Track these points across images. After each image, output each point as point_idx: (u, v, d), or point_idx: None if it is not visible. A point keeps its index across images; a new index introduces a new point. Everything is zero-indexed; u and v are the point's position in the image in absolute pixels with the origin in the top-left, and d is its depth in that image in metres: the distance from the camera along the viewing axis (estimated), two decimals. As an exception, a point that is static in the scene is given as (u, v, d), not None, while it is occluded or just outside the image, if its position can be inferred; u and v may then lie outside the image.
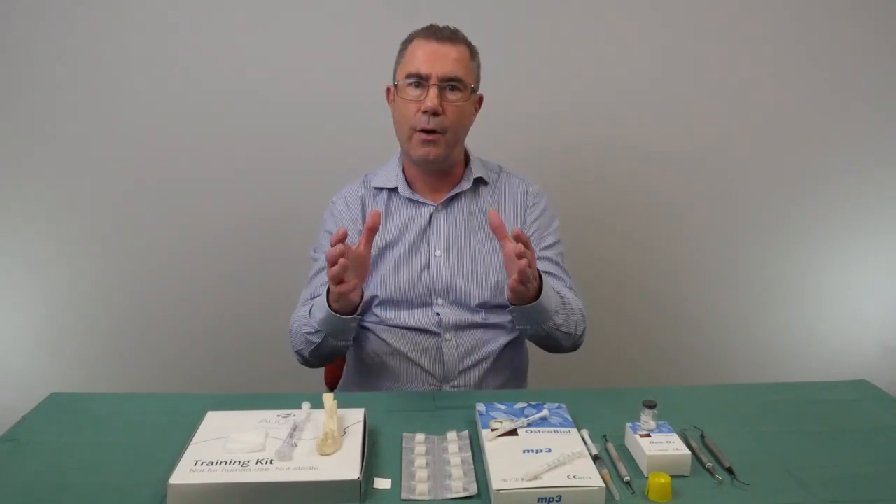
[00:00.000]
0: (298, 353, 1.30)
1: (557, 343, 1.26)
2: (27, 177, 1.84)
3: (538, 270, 1.14)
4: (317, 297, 1.23)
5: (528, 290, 1.11)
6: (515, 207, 1.39)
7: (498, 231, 1.10)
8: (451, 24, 1.33)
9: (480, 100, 1.37)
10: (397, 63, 1.34)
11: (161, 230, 1.89)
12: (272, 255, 1.91)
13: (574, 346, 1.31)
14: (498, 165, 1.45)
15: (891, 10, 1.85)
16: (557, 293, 1.22)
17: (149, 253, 1.91)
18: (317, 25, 1.79)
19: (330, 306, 1.15)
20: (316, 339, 1.22)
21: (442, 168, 1.35)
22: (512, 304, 1.16)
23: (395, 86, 1.32)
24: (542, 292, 1.14)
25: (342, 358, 1.45)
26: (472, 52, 1.33)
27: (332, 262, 1.04)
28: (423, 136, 1.27)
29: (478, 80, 1.34)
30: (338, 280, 1.07)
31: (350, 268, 1.07)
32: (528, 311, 1.16)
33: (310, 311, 1.23)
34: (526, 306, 1.14)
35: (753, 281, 2.02)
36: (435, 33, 1.29)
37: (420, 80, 1.27)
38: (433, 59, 1.26)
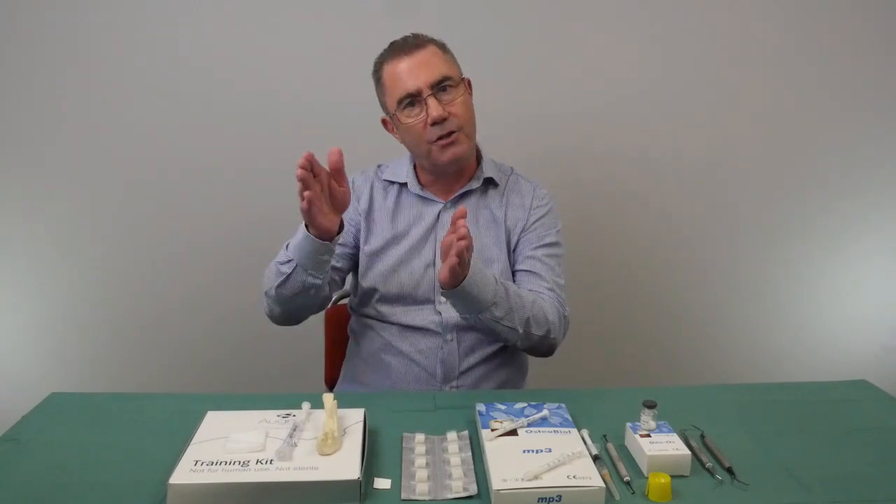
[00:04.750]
0: (266, 294, 1.25)
1: (505, 339, 1.25)
2: (27, 177, 1.85)
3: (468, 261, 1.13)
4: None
5: (462, 272, 1.11)
6: (522, 208, 1.38)
7: (455, 219, 1.08)
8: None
9: (470, 83, 1.34)
10: (380, 94, 1.32)
11: (161, 230, 1.90)
12: (272, 255, 1.90)
13: (534, 348, 1.28)
14: (510, 168, 1.45)
15: (890, 11, 1.85)
16: (503, 286, 1.20)
17: (148, 253, 1.91)
18: (315, 25, 1.79)
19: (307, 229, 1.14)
20: (287, 268, 1.18)
21: (461, 167, 1.34)
22: (443, 289, 1.15)
23: (392, 116, 1.30)
24: (468, 278, 1.12)
25: (308, 311, 1.31)
26: (442, 46, 1.30)
27: (301, 197, 1.07)
28: (442, 141, 1.25)
29: (459, 67, 1.31)
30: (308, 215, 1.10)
31: (322, 200, 1.10)
32: (456, 295, 1.15)
33: (286, 246, 1.21)
34: (453, 290, 1.13)
35: (754, 281, 2.02)
36: (400, 49, 1.27)
37: (413, 99, 1.25)
38: (414, 73, 1.24)
